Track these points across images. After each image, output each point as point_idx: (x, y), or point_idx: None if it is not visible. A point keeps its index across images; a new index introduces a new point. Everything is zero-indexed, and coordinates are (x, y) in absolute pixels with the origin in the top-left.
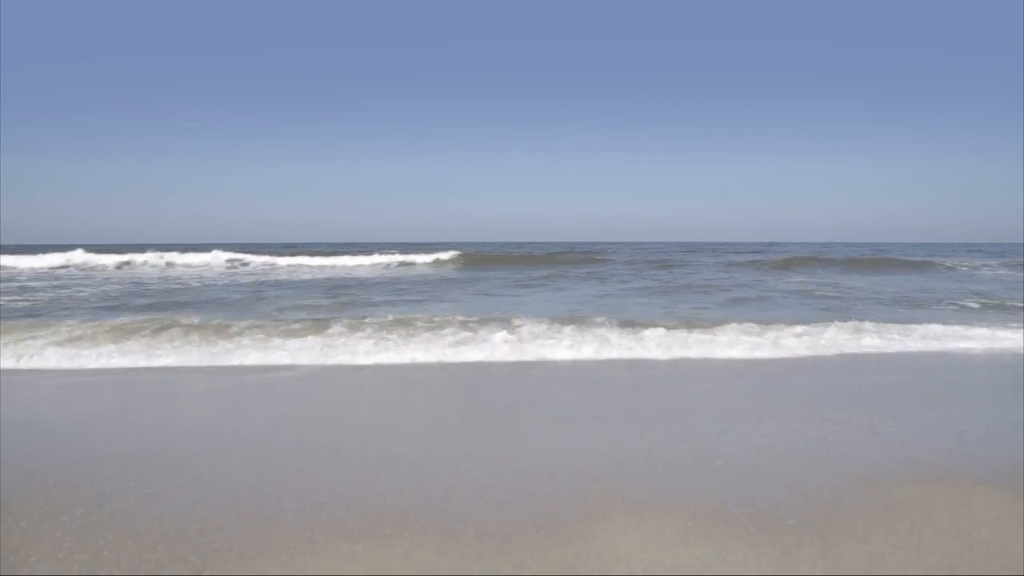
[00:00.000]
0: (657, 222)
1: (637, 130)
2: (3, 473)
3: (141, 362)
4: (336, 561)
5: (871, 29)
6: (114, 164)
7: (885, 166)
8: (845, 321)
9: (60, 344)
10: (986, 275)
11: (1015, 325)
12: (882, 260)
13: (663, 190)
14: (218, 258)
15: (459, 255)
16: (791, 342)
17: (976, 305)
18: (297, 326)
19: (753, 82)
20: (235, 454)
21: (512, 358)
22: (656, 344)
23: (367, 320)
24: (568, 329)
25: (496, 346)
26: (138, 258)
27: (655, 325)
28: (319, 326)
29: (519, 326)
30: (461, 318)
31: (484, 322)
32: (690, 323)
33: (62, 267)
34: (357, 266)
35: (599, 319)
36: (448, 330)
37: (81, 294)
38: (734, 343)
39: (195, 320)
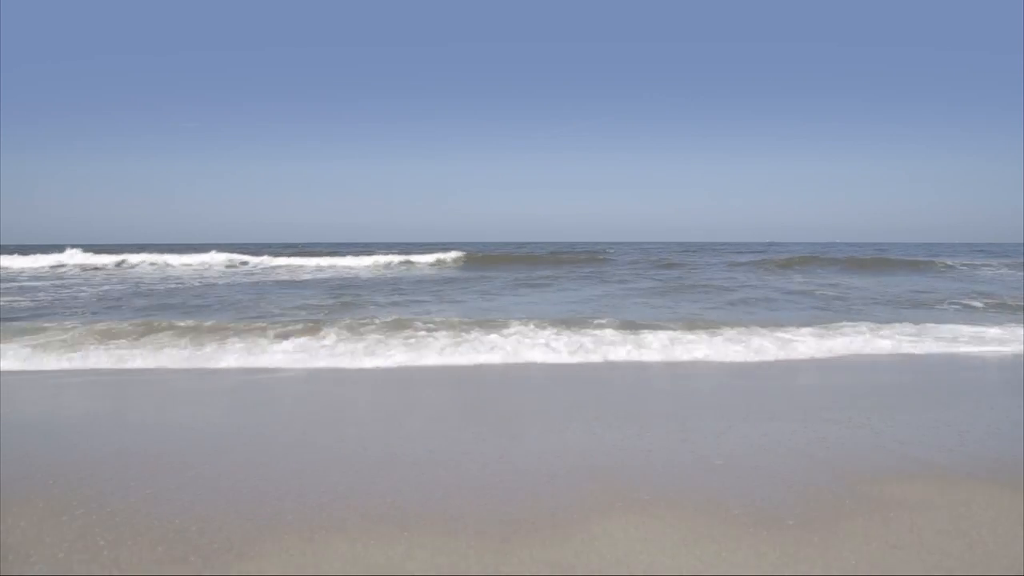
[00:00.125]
0: (657, 222)
1: (637, 130)
2: (3, 473)
3: (139, 363)
4: (336, 561)
5: (871, 29)
6: (114, 164)
7: (885, 166)
8: (852, 322)
9: (59, 345)
10: (988, 275)
11: (1016, 324)
12: (883, 260)
13: (663, 190)
14: (218, 258)
15: (460, 255)
16: (796, 343)
17: (980, 304)
18: (298, 327)
19: (753, 82)
20: (235, 454)
21: (513, 360)
22: (658, 345)
23: (367, 322)
24: (571, 331)
25: (498, 348)
26: (138, 259)
27: (658, 327)
28: (320, 327)
29: (521, 327)
30: (463, 319)
31: (485, 323)
32: (693, 324)
33: (58, 266)
34: (358, 266)
35: (602, 320)
36: (450, 332)
37: (80, 295)
38: (737, 344)
39: (193, 322)
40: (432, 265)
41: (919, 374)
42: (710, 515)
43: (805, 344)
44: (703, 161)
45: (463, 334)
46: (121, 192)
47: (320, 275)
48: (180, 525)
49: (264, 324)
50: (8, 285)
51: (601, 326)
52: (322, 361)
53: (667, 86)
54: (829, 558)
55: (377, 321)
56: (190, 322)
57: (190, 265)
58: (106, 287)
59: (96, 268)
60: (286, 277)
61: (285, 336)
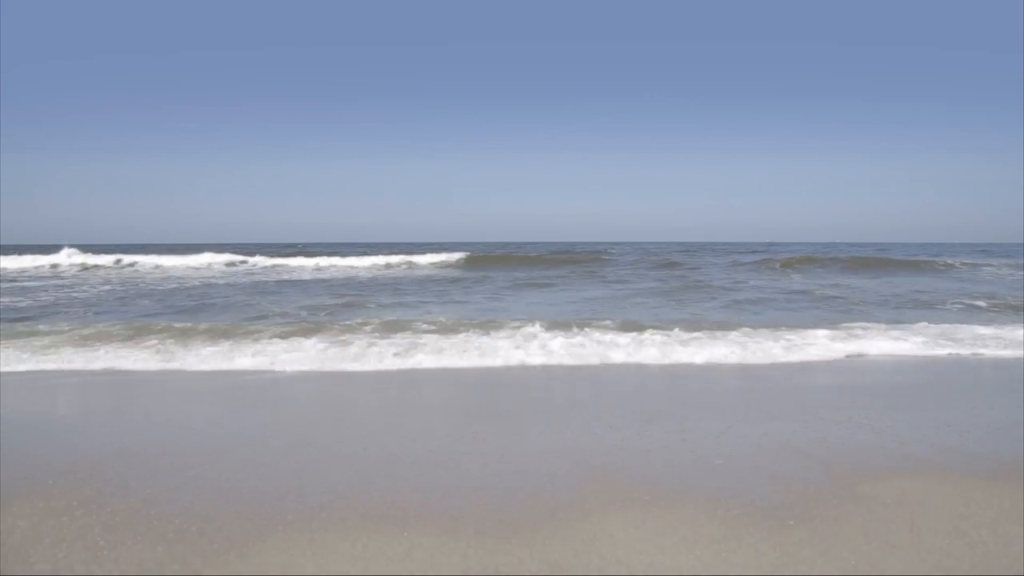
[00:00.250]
0: (657, 222)
1: (637, 130)
2: (3, 473)
3: (139, 364)
4: (336, 561)
5: (871, 29)
6: (114, 164)
7: (886, 166)
8: (864, 323)
9: (59, 346)
10: (990, 275)
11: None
12: (884, 260)
13: (663, 190)
14: (218, 258)
15: (462, 256)
16: (806, 346)
17: (983, 304)
18: (299, 327)
19: (753, 82)
20: (235, 454)
21: (513, 361)
22: (659, 346)
23: (368, 322)
24: (572, 331)
25: (499, 349)
26: (137, 259)
27: (660, 327)
28: (321, 328)
29: (523, 328)
30: (464, 321)
31: (486, 325)
32: (696, 325)
33: (58, 266)
34: (359, 267)
35: (604, 321)
36: (451, 333)
37: (80, 295)
38: (740, 345)
39: (192, 324)
40: (433, 266)
41: (919, 374)
42: (710, 515)
43: (816, 346)
44: (703, 161)
45: (464, 335)
46: (121, 192)
47: (321, 275)
48: (180, 525)
49: (265, 325)
50: (8, 285)
51: (602, 327)
52: (322, 362)
53: (667, 86)
54: (829, 558)
55: (377, 322)
56: (189, 323)
57: (190, 265)
58: (107, 287)
59: (96, 267)
60: (286, 277)
61: (286, 337)
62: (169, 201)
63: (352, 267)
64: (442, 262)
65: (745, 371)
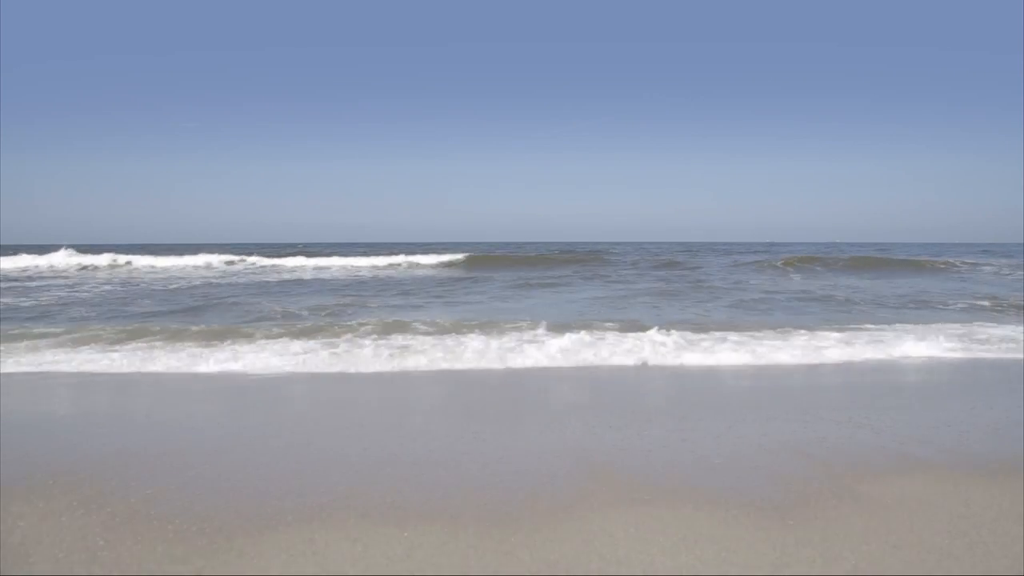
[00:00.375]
0: (657, 222)
1: (637, 130)
2: (3, 473)
3: (139, 365)
4: (336, 561)
5: (871, 29)
6: (114, 164)
7: (886, 166)
8: (860, 324)
9: (59, 346)
10: (991, 275)
11: None
12: (886, 260)
13: (663, 190)
14: (219, 259)
15: (463, 257)
16: (824, 349)
17: (987, 303)
18: (300, 328)
19: (753, 82)
20: (235, 454)
21: (516, 363)
22: (662, 347)
23: (369, 323)
24: (576, 333)
25: (501, 350)
26: (137, 259)
27: (662, 328)
28: (321, 329)
29: (525, 329)
30: (466, 322)
31: (487, 326)
32: (700, 326)
33: (58, 267)
34: (359, 267)
35: (606, 322)
36: (452, 334)
37: (80, 296)
38: (745, 347)
39: (192, 325)
40: (434, 266)
41: (920, 375)
42: (710, 515)
43: (832, 350)
44: (703, 161)
45: (464, 336)
46: (121, 192)
47: (321, 275)
48: (180, 525)
49: (265, 326)
50: (9, 286)
51: (605, 328)
52: (322, 363)
53: (667, 86)
54: (829, 558)
55: (378, 323)
56: (190, 325)
57: (190, 265)
58: (108, 287)
59: (96, 268)
60: (287, 277)
61: (286, 337)
62: (169, 201)
63: (353, 267)
64: (443, 262)
65: (745, 372)
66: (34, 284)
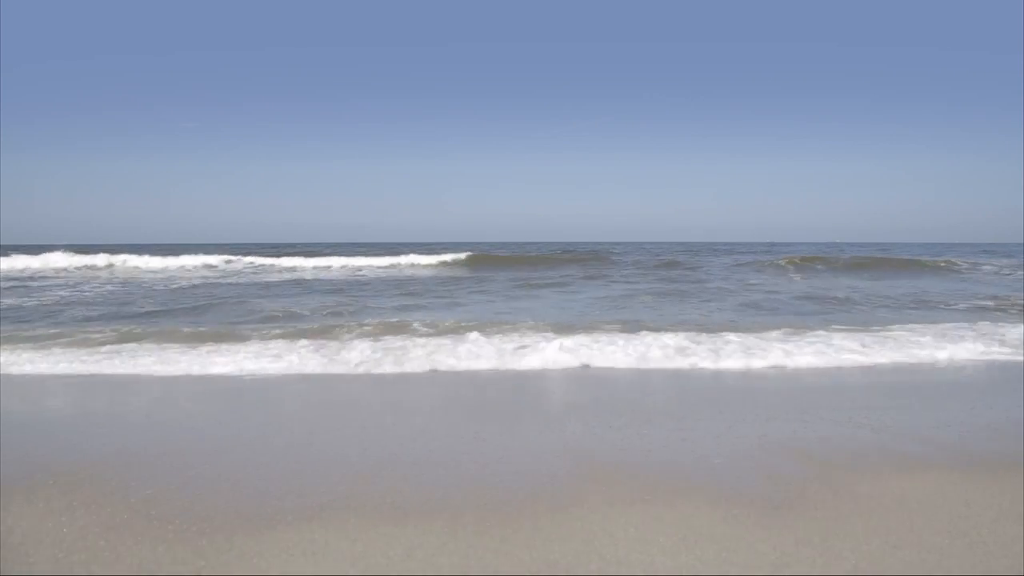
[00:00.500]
0: (657, 222)
1: (637, 130)
2: (3, 473)
3: (138, 367)
4: (336, 561)
5: (871, 29)
6: (113, 164)
7: (887, 166)
8: (865, 326)
9: (59, 347)
10: (992, 275)
11: None
12: (888, 260)
13: (663, 190)
14: (219, 259)
15: (465, 256)
16: (833, 352)
17: (990, 303)
18: (299, 328)
19: (753, 82)
20: (235, 454)
21: (517, 364)
22: (665, 348)
23: (370, 324)
24: (577, 334)
25: (502, 351)
26: (137, 259)
27: (666, 329)
28: (321, 330)
29: (527, 331)
30: (468, 323)
31: (489, 326)
32: (704, 327)
33: (59, 267)
34: (360, 266)
35: (610, 324)
36: (453, 335)
37: (79, 297)
38: (750, 349)
39: (192, 326)
40: (436, 266)
41: (920, 375)
42: (710, 515)
43: (854, 354)
44: (704, 161)
45: (465, 337)
46: (120, 192)
47: (322, 275)
48: (180, 525)
49: (266, 326)
50: (9, 286)
51: (606, 328)
52: (322, 363)
53: (667, 86)
54: (829, 558)
55: (381, 323)
56: (191, 325)
57: (190, 265)
58: (109, 287)
59: (96, 268)
60: (288, 277)
61: (287, 338)
62: (169, 201)
63: (353, 267)
64: (444, 262)
65: (746, 373)
66: (35, 284)
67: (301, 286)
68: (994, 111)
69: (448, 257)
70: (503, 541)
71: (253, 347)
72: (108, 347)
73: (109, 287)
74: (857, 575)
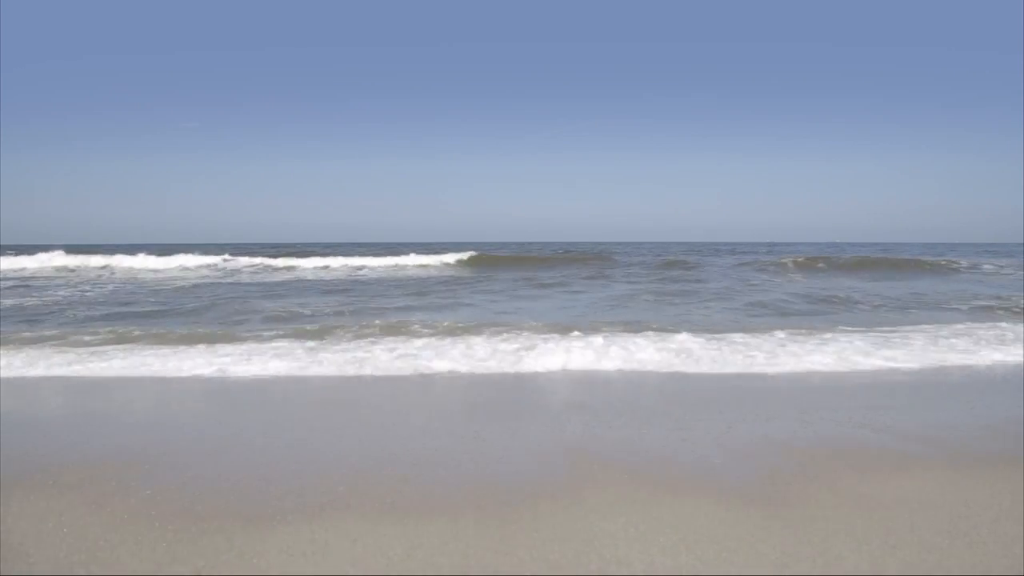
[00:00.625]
0: (658, 222)
1: (637, 130)
2: (3, 473)
3: (138, 367)
4: (336, 561)
5: (871, 29)
6: (113, 164)
7: (887, 166)
8: (870, 327)
9: (59, 347)
10: (994, 275)
11: None
12: (889, 260)
13: (663, 190)
14: (219, 259)
15: (468, 256)
16: (855, 358)
17: (992, 303)
18: (299, 329)
19: (753, 82)
20: (235, 454)
21: (520, 365)
22: (665, 348)
23: (371, 324)
24: (580, 334)
25: (503, 351)
26: (137, 259)
27: (667, 329)
28: (322, 330)
29: (528, 331)
30: (470, 323)
31: (490, 327)
32: (707, 328)
33: (60, 267)
34: (361, 266)
35: (612, 324)
36: (454, 335)
37: (78, 297)
38: (755, 351)
39: (192, 328)
40: (438, 266)
41: (920, 375)
42: (710, 515)
43: (858, 356)
44: (704, 161)
45: (466, 338)
46: (120, 192)
47: (323, 275)
48: (180, 525)
49: (267, 326)
50: (9, 286)
51: (608, 328)
52: (323, 363)
53: (667, 86)
54: (829, 558)
55: (380, 323)
56: (191, 325)
57: (190, 265)
58: (110, 287)
59: (97, 268)
60: (288, 277)
61: (288, 338)
62: (168, 201)
63: (354, 267)
64: (446, 262)
65: (747, 373)
66: (36, 284)
67: (302, 286)
68: (995, 111)
69: (450, 257)
70: (503, 541)
71: (254, 347)
72: (109, 347)
73: (110, 287)
74: (857, 575)
